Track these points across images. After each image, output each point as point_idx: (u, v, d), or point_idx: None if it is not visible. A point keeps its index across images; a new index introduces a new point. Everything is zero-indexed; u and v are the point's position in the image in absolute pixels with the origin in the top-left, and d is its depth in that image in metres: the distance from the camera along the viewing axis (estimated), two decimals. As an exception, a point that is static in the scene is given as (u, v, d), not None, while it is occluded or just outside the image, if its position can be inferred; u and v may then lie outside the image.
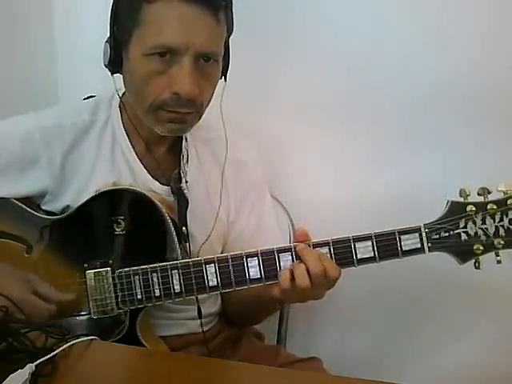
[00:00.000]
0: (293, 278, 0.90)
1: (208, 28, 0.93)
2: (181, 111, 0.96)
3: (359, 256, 0.91)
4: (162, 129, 0.99)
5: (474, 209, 0.89)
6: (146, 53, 0.92)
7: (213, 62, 0.96)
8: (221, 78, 1.02)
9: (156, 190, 1.04)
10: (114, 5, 0.96)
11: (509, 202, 0.88)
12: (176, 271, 0.93)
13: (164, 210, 0.97)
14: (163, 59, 0.92)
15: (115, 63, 0.98)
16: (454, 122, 1.24)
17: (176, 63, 0.92)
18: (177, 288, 0.93)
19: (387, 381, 0.72)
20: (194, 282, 0.93)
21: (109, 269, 0.95)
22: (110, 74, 1.00)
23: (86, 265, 0.96)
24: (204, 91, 0.96)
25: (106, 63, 0.99)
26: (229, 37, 1.00)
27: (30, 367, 0.69)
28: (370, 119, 1.30)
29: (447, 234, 0.90)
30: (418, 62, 1.24)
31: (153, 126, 0.99)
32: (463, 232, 0.89)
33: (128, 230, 0.97)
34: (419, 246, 0.90)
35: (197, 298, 1.00)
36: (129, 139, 1.05)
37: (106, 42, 0.98)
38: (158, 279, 0.94)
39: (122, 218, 0.96)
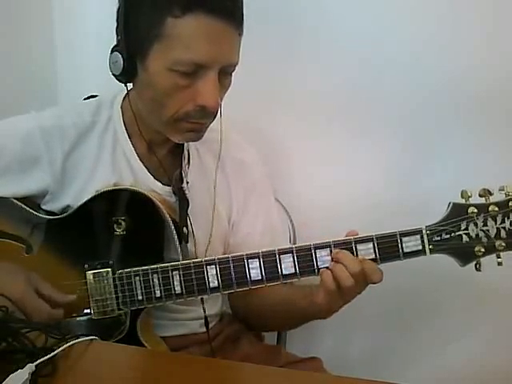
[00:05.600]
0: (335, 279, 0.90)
1: (233, 41, 0.93)
2: (203, 122, 0.96)
3: (360, 258, 0.90)
4: (180, 138, 0.99)
5: (475, 210, 0.88)
6: (170, 67, 0.91)
7: (231, 72, 0.96)
8: None
9: (157, 190, 1.03)
10: (124, 14, 0.93)
11: (510, 203, 0.88)
12: (177, 272, 0.93)
13: (165, 211, 0.97)
14: (188, 73, 0.91)
15: (129, 74, 0.95)
16: (455, 123, 1.24)
17: (201, 77, 0.91)
18: (177, 289, 0.93)
19: (387, 381, 0.72)
20: (194, 283, 0.93)
21: (109, 269, 0.95)
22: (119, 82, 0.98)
23: (86, 265, 0.96)
24: (221, 99, 0.97)
25: (117, 73, 0.96)
26: None
27: (30, 367, 0.69)
28: (370, 120, 1.30)
29: (448, 236, 0.89)
30: (418, 63, 1.24)
31: (169, 135, 0.99)
32: (464, 234, 0.89)
33: (129, 231, 0.96)
34: (420, 247, 0.90)
35: (202, 299, 1.00)
36: (130, 140, 1.05)
37: (115, 51, 0.95)
38: (159, 280, 0.94)
39: (123, 218, 0.96)
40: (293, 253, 0.92)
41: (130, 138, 1.05)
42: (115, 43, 0.96)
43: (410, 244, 0.90)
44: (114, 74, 0.97)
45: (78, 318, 0.96)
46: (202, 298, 1.00)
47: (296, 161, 1.38)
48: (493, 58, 1.19)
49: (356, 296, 0.93)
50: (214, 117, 0.98)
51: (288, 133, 1.36)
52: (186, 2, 0.88)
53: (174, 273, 0.93)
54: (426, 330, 1.35)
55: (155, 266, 0.94)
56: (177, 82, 0.91)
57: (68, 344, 0.77)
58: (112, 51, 0.96)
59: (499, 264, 0.88)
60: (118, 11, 0.95)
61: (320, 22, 1.30)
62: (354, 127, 1.32)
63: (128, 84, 1.00)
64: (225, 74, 0.94)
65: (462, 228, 0.89)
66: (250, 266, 0.92)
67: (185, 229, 0.99)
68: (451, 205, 0.90)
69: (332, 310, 0.96)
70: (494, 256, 0.89)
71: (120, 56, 0.94)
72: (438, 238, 0.90)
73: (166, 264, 0.94)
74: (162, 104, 0.94)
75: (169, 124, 0.96)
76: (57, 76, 1.52)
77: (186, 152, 1.06)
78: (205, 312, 1.02)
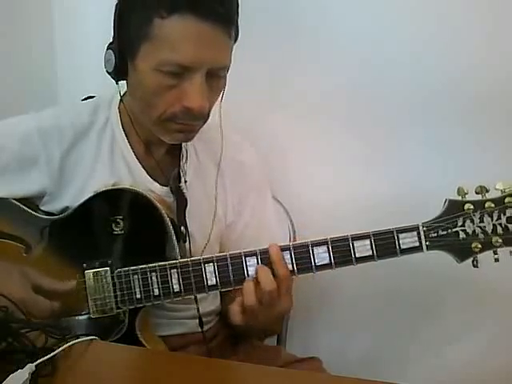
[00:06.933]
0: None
1: (221, 44, 0.92)
2: (191, 124, 0.96)
3: (358, 255, 0.91)
4: (170, 138, 0.99)
5: (471, 207, 0.89)
6: (157, 68, 0.91)
7: (222, 75, 0.96)
8: None
9: (155, 190, 1.03)
10: (119, 12, 0.94)
11: (506, 200, 0.88)
12: (175, 270, 0.93)
13: (163, 210, 0.97)
14: (174, 74, 0.91)
15: (120, 72, 0.96)
16: (454, 122, 1.24)
17: (187, 78, 0.91)
18: (176, 287, 0.94)
19: (387, 381, 0.72)
20: (192, 281, 0.93)
21: (108, 268, 0.95)
22: (113, 80, 0.99)
23: (84, 265, 0.96)
24: (211, 101, 0.96)
25: (110, 71, 0.97)
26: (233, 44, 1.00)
27: (30, 367, 0.69)
28: (370, 119, 1.30)
29: (445, 233, 0.90)
30: (417, 62, 1.24)
31: (159, 135, 0.99)
32: (461, 230, 0.90)
33: (127, 230, 0.96)
34: (417, 244, 0.90)
35: (196, 299, 1.00)
36: (128, 140, 1.05)
37: (109, 48, 0.96)
38: (157, 278, 0.94)
39: (121, 217, 0.96)
40: (290, 250, 0.92)
41: (127, 138, 1.05)
42: (111, 40, 0.97)
43: (407, 240, 0.90)
44: (107, 71, 0.98)
45: (76, 317, 0.96)
46: (196, 298, 1.00)
47: (296, 161, 1.38)
48: (493, 57, 1.19)
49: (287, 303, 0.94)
50: (206, 118, 0.98)
51: (288, 133, 1.36)
52: (172, 4, 0.88)
53: (172, 271, 0.93)
54: (425, 330, 1.35)
55: (153, 264, 0.94)
56: (163, 82, 0.92)
57: (68, 344, 0.77)
58: (107, 48, 0.97)
59: (496, 260, 0.89)
60: (115, 8, 0.96)
61: (320, 21, 1.30)
62: (354, 127, 1.31)
63: (121, 83, 1.00)
64: (215, 75, 0.94)
65: (459, 224, 0.89)
66: (248, 263, 0.92)
67: (183, 228, 1.00)
68: (447, 201, 0.90)
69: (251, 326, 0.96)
70: (491, 253, 0.89)
71: (113, 54, 0.95)
72: (435, 235, 0.90)
73: (164, 262, 0.94)
74: (149, 104, 0.95)
75: (157, 124, 0.97)
76: (57, 76, 1.52)
77: (184, 151, 1.06)
78: (199, 312, 1.02)
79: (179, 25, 0.89)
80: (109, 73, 0.98)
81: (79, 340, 0.79)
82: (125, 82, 1.00)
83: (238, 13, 0.95)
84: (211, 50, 0.91)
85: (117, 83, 0.99)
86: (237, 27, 0.96)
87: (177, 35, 0.89)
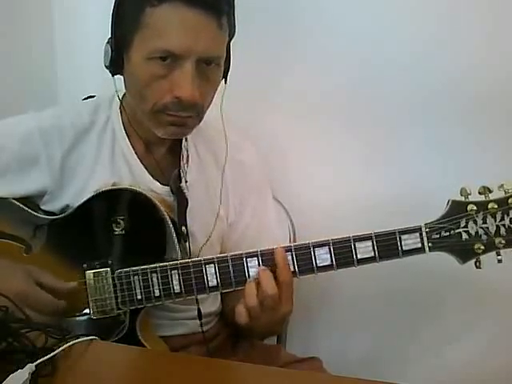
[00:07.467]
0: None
1: (211, 33, 0.93)
2: (182, 115, 0.96)
3: (359, 256, 0.91)
4: (163, 132, 0.99)
5: (474, 208, 0.89)
6: (147, 56, 0.92)
7: (214, 66, 0.96)
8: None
9: (156, 190, 1.03)
10: (115, 6, 0.96)
11: (510, 200, 0.88)
12: (176, 271, 0.93)
13: (163, 210, 0.97)
14: (165, 63, 0.92)
15: (116, 65, 0.97)
16: (454, 122, 1.24)
17: (178, 67, 0.92)
18: (176, 288, 0.94)
19: (387, 381, 0.72)
20: (193, 282, 0.93)
21: (108, 269, 0.95)
22: (110, 75, 0.99)
23: (85, 265, 0.96)
24: (205, 95, 0.96)
25: (107, 64, 0.98)
26: (230, 40, 1.00)
27: (30, 367, 0.69)
28: (370, 119, 1.30)
29: (448, 234, 0.89)
30: (418, 62, 1.24)
31: (153, 129, 0.99)
32: (464, 231, 0.89)
33: (127, 230, 0.96)
34: (420, 245, 0.90)
35: (197, 299, 1.00)
36: (129, 140, 1.05)
37: (107, 42, 0.97)
38: (158, 279, 0.94)
39: (122, 217, 0.96)
40: (291, 251, 0.92)
41: (128, 137, 1.05)
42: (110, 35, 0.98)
43: (409, 242, 0.90)
44: (105, 66, 0.98)
45: (77, 318, 0.96)
46: (197, 299, 1.00)
47: (296, 161, 1.38)
48: (493, 58, 1.19)
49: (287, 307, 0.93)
50: (200, 112, 0.97)
51: (288, 133, 1.35)
52: None
53: (172, 272, 0.93)
54: (425, 330, 1.35)
55: (154, 265, 0.94)
56: (154, 72, 0.92)
57: (68, 344, 0.77)
58: (106, 43, 0.98)
59: (499, 261, 0.89)
60: (114, 3, 0.96)
61: (320, 21, 1.30)
62: (354, 127, 1.31)
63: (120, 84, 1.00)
64: (206, 66, 0.94)
65: (462, 225, 0.89)
66: (249, 264, 0.92)
67: (183, 228, 0.99)
68: (450, 202, 0.90)
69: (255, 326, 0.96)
70: (493, 254, 0.89)
71: (110, 47, 0.96)
72: (437, 236, 0.90)
73: (165, 263, 0.94)
74: (142, 96, 0.95)
75: (150, 116, 0.97)
76: (57, 76, 1.52)
77: (184, 151, 1.06)
78: (200, 313, 1.02)
79: (169, 12, 0.90)
80: (107, 67, 0.98)
81: (79, 340, 0.79)
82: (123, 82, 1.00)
83: (232, 6, 0.96)
84: (200, 38, 0.91)
85: (113, 76, 0.99)
86: (231, 20, 0.97)
87: (166, 22, 0.90)
